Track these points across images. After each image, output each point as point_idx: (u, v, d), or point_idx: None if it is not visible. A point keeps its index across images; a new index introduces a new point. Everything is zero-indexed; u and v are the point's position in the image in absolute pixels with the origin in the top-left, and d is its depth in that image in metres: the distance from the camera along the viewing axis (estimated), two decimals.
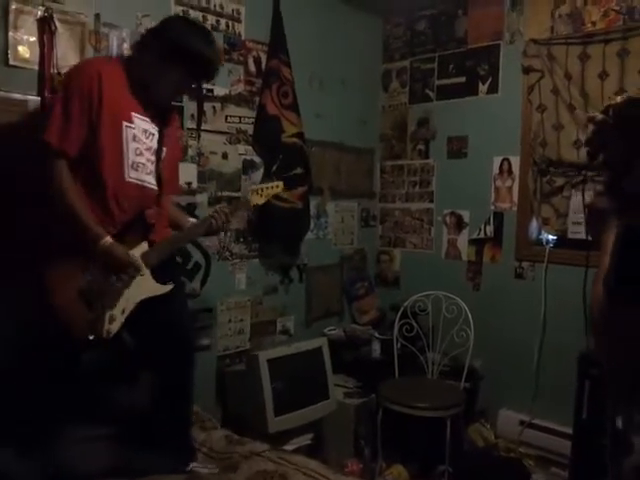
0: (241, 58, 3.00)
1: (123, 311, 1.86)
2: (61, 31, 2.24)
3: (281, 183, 2.19)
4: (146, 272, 1.90)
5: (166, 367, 1.99)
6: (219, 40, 2.87)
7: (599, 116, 0.95)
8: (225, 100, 2.92)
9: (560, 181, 3.08)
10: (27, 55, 2.17)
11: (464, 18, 3.48)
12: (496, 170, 3.37)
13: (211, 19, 2.85)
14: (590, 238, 1.02)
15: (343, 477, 1.95)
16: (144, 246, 1.92)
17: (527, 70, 3.17)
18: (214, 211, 2.04)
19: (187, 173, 2.77)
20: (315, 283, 3.47)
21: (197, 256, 2.83)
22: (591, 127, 0.98)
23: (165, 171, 2.00)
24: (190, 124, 2.78)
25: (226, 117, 2.94)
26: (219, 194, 2.92)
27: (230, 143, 2.97)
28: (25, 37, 2.15)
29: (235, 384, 2.88)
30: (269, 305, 3.21)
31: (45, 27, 2.19)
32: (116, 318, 1.84)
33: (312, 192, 3.29)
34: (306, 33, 3.28)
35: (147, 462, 1.91)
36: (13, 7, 2.12)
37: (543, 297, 3.15)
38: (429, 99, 3.67)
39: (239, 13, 2.97)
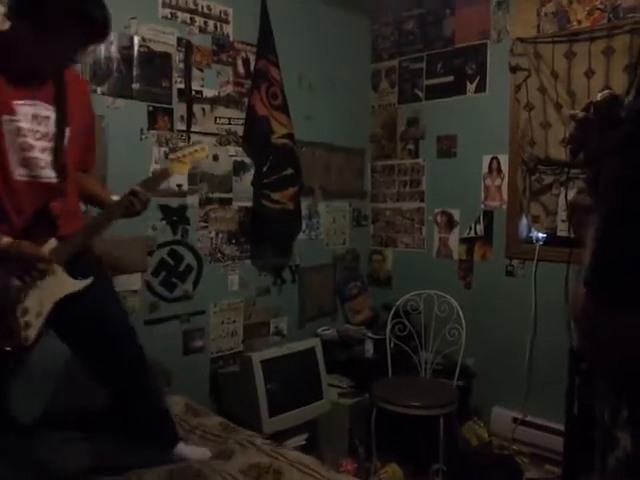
0: (230, 59, 3.00)
1: (38, 315, 1.69)
2: None
3: (205, 145, 2.00)
4: (58, 270, 1.73)
5: (108, 359, 1.85)
6: (207, 42, 2.89)
7: (580, 113, 0.96)
8: (214, 102, 2.93)
9: (549, 179, 3.10)
10: None
11: (451, 18, 3.49)
12: (485, 169, 3.38)
13: (199, 20, 2.85)
14: (573, 235, 1.03)
15: (337, 474, 1.94)
16: (52, 243, 1.73)
17: (514, 69, 3.19)
18: (131, 189, 1.82)
19: (177, 175, 2.76)
20: (308, 284, 3.47)
21: (189, 258, 2.83)
22: (573, 124, 0.98)
23: (73, 149, 1.80)
24: (180, 126, 2.78)
25: (215, 118, 2.94)
26: (210, 195, 2.92)
27: (220, 145, 2.97)
28: None
29: (229, 386, 2.88)
30: (262, 306, 3.21)
31: None
32: (32, 323, 1.67)
33: (303, 193, 3.29)
34: (294, 33, 3.29)
35: (129, 456, 1.85)
36: None
37: (533, 294, 3.16)
38: (418, 99, 3.69)
39: (227, 14, 2.98)
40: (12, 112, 1.63)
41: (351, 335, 3.44)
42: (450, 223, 3.56)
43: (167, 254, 2.75)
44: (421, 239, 3.71)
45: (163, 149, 2.71)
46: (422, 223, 3.70)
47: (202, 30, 2.86)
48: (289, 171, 3.12)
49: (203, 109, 2.88)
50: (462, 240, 3.50)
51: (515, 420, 3.15)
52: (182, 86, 2.79)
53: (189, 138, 2.80)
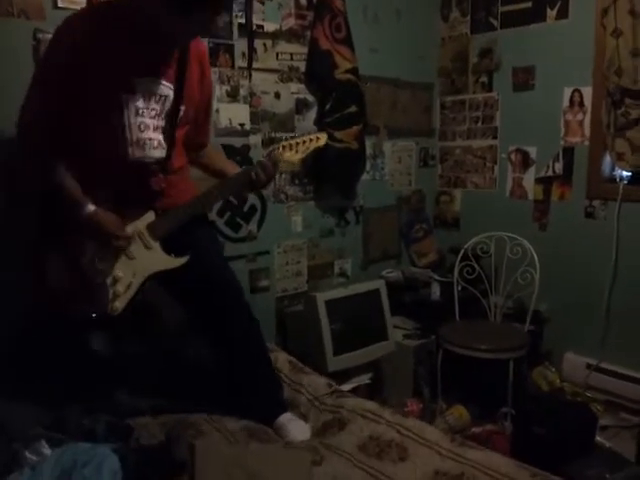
0: None
1: (128, 286, 1.69)
2: None
3: (323, 135, 1.86)
4: (154, 244, 1.72)
5: (222, 320, 1.87)
6: None
7: None
8: (275, 36, 2.82)
9: (636, 113, 2.82)
10: None
11: None
12: (566, 102, 3.13)
13: None
14: None
15: (402, 418, 1.91)
16: (150, 216, 1.73)
17: None
18: (256, 164, 1.77)
19: (239, 114, 2.72)
20: (372, 225, 3.39)
21: (253, 199, 2.82)
22: None
23: (185, 126, 1.78)
24: (241, 63, 2.71)
25: (277, 54, 2.84)
26: (272, 135, 2.86)
27: (282, 82, 2.88)
28: None
29: (294, 324, 2.91)
30: (326, 247, 3.18)
31: None
32: (120, 294, 1.68)
33: (367, 131, 3.17)
34: None
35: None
36: None
37: (615, 237, 2.96)
38: (492, 28, 3.42)
39: None
40: (132, 90, 1.60)
41: (417, 277, 3.37)
42: (525, 161, 3.36)
43: None
44: (493, 179, 3.53)
45: (225, 87, 2.65)
46: (494, 162, 3.51)
47: None
48: (353, 108, 3.01)
49: (264, 44, 2.79)
50: (538, 179, 3.29)
51: (589, 366, 3.03)
52: (242, 21, 2.70)
53: (250, 75, 2.73)
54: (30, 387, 1.67)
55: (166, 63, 1.67)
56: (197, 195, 1.80)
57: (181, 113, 1.73)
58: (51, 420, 1.58)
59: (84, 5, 2.14)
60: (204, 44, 1.87)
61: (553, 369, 3.11)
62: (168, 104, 1.69)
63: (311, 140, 1.81)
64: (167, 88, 1.68)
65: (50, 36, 2.00)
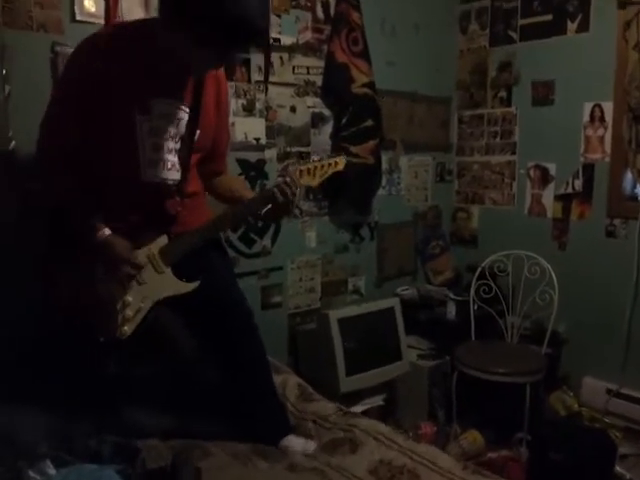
0: (309, 4, 2.83)
1: (138, 311, 1.67)
2: None
3: (342, 159, 1.79)
4: (165, 269, 1.70)
5: (230, 344, 1.85)
6: None
7: None
8: (292, 50, 2.79)
9: None
10: (93, 9, 2.13)
11: None
12: (586, 117, 3.07)
13: None
14: None
15: (414, 443, 1.85)
16: (163, 240, 1.70)
17: (624, 3, 2.82)
18: (274, 185, 1.70)
19: (255, 128, 2.69)
20: (387, 241, 3.34)
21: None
22: None
23: (200, 151, 1.75)
24: (257, 76, 2.68)
25: (293, 68, 2.81)
26: (288, 149, 2.83)
27: (298, 95, 2.85)
28: None
29: (306, 343, 2.86)
30: (340, 264, 3.13)
31: None
32: (130, 318, 1.66)
33: (384, 146, 3.13)
34: None
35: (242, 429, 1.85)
36: None
37: (636, 257, 2.88)
38: (512, 41, 3.37)
39: None
40: (148, 111, 1.59)
41: (432, 296, 3.30)
42: (544, 178, 3.29)
43: None
44: (511, 195, 3.46)
45: (241, 101, 2.63)
46: (513, 178, 3.44)
47: None
48: (369, 123, 2.97)
49: (281, 58, 2.76)
50: (558, 197, 3.23)
51: (609, 391, 2.94)
52: None
53: (266, 89, 2.70)
54: (38, 405, 1.64)
55: (182, 86, 1.65)
56: (211, 219, 1.77)
57: (196, 137, 1.71)
58: (58, 439, 1.55)
59: (102, 19, 2.13)
60: (223, 75, 1.82)
61: (571, 393, 3.03)
62: (183, 127, 1.67)
63: (329, 165, 1.77)
64: (183, 111, 1.66)
65: (68, 49, 2.02)
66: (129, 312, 1.66)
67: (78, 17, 2.10)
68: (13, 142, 1.94)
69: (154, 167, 1.65)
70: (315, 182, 1.76)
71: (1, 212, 1.93)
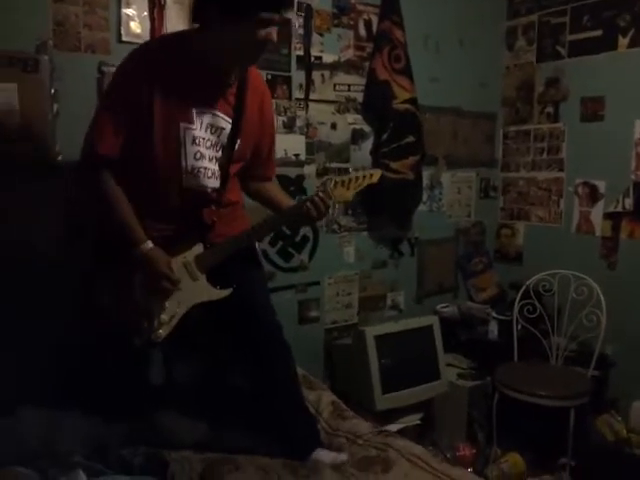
0: (351, 22, 2.87)
1: (172, 316, 1.71)
2: (170, 5, 2.28)
3: (377, 172, 1.80)
4: (200, 276, 1.74)
5: (257, 355, 1.85)
6: (327, 5, 2.78)
7: None
8: (334, 67, 2.83)
9: None
10: (138, 31, 2.23)
11: None
12: (638, 134, 2.97)
13: None
14: None
15: (448, 466, 1.80)
16: (198, 248, 1.75)
17: None
18: (308, 199, 1.72)
19: (295, 145, 2.74)
20: (427, 257, 3.31)
21: (305, 228, 2.80)
22: None
23: (241, 159, 1.78)
24: (298, 94, 2.72)
25: (335, 85, 2.84)
26: (327, 165, 2.86)
27: (339, 112, 2.88)
28: (136, 13, 2.21)
29: (342, 358, 2.85)
30: (378, 279, 3.11)
31: (155, 2, 2.24)
32: (165, 323, 1.71)
33: (425, 162, 3.11)
34: None
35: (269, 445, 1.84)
36: None
37: None
38: (560, 56, 3.30)
39: None
40: (190, 120, 1.64)
41: (473, 314, 3.23)
42: (593, 195, 3.19)
43: None
44: (558, 212, 3.37)
45: (281, 118, 2.67)
46: (560, 195, 3.35)
47: None
48: (410, 139, 2.96)
49: (322, 75, 2.80)
50: (607, 215, 3.12)
51: None
52: (301, 52, 2.72)
53: (307, 106, 2.75)
54: (73, 413, 1.70)
55: (225, 96, 1.70)
56: (248, 229, 1.80)
57: (237, 147, 1.74)
58: (91, 448, 1.59)
59: (147, 39, 2.22)
60: (265, 86, 1.88)
61: (619, 418, 2.88)
62: (224, 137, 1.72)
63: (364, 177, 1.76)
64: (225, 121, 1.71)
65: (114, 69, 2.11)
66: (164, 317, 1.71)
67: (124, 38, 2.21)
68: (60, 156, 2.04)
69: (195, 175, 1.70)
70: (349, 194, 1.76)
71: (46, 223, 2.03)
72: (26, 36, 2.00)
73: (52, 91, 2.03)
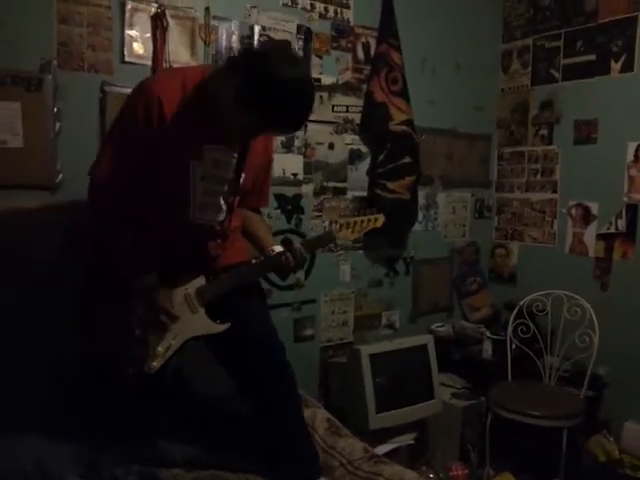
0: (349, 45, 2.93)
1: (168, 348, 1.71)
2: (173, 26, 2.32)
3: (381, 217, 1.89)
4: (200, 309, 1.75)
5: (260, 379, 1.82)
6: (326, 28, 2.83)
7: None
8: (332, 89, 2.87)
9: None
10: (141, 51, 2.27)
11: None
12: (630, 157, 3.01)
13: (319, 7, 2.80)
14: None
15: None
16: (200, 280, 1.76)
17: None
18: (291, 246, 1.78)
19: (293, 164, 2.77)
20: (423, 277, 3.33)
21: None
22: None
23: (244, 191, 1.81)
24: None
25: (333, 106, 2.89)
26: (325, 184, 2.89)
27: (337, 133, 2.92)
28: (139, 34, 2.25)
29: (337, 376, 2.86)
30: (374, 298, 3.14)
31: (158, 23, 2.28)
32: (160, 354, 1.70)
33: (421, 182, 3.15)
34: (418, 14, 3.12)
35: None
36: (129, 6, 2.22)
37: None
38: (554, 80, 3.36)
39: None
40: (200, 157, 1.65)
41: (468, 333, 3.25)
42: (586, 217, 3.23)
43: (280, 242, 2.75)
44: (552, 233, 3.41)
45: (280, 138, 2.71)
46: (554, 216, 3.39)
47: (322, 16, 2.81)
48: (407, 159, 3.00)
49: (321, 97, 2.84)
50: (600, 236, 3.16)
51: None
52: None
53: (305, 127, 2.78)
54: (67, 433, 1.70)
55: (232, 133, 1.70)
56: (249, 266, 1.85)
57: (241, 180, 1.77)
58: (85, 467, 1.60)
59: (149, 60, 2.27)
60: None
61: (611, 438, 2.90)
62: (230, 171, 1.73)
63: (369, 221, 1.87)
64: (231, 156, 1.72)
65: (116, 89, 2.15)
66: (160, 349, 1.71)
67: (127, 58, 2.24)
68: (60, 175, 2.07)
69: (203, 210, 1.71)
70: (353, 236, 1.87)
71: (45, 250, 2.02)
72: (30, 55, 2.04)
73: (55, 110, 2.06)
